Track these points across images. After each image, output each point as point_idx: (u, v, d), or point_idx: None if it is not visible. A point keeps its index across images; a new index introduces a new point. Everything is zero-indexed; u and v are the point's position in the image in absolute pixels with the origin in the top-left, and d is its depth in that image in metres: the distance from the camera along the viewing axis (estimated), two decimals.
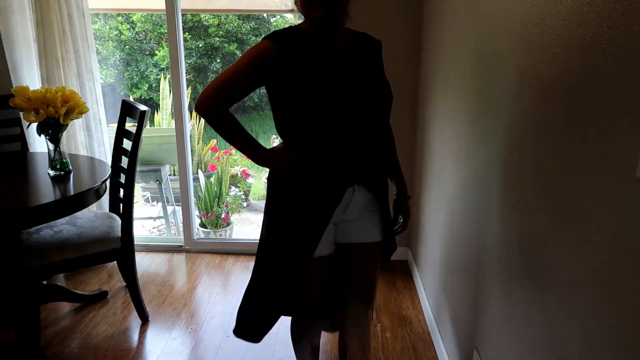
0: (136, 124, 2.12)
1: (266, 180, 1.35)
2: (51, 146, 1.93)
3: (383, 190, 1.42)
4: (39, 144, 2.60)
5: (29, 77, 2.54)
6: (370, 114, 1.31)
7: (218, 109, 1.21)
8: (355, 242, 1.44)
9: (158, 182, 3.70)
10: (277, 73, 1.23)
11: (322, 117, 1.24)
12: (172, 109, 3.87)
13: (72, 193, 1.79)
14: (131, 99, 2.32)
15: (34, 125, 1.92)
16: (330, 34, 1.29)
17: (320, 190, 1.31)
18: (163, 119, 4.51)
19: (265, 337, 1.49)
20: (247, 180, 4.53)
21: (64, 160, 1.97)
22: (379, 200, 1.41)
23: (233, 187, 4.09)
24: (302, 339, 1.58)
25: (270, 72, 1.24)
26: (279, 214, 1.38)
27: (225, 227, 3.57)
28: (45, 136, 1.91)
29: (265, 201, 1.43)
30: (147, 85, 6.45)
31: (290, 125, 1.31)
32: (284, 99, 1.27)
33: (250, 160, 1.51)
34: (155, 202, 4.47)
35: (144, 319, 2.30)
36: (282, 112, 1.31)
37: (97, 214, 2.30)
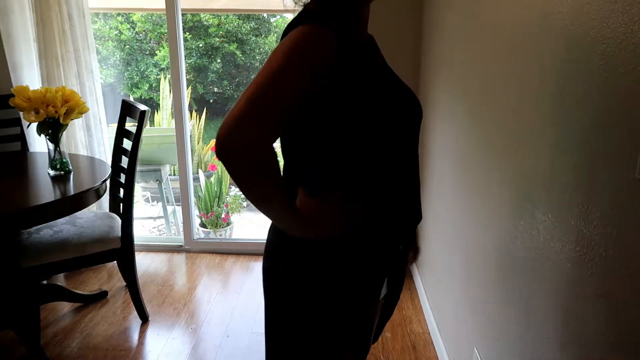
0: (136, 124, 2.12)
1: (268, 263, 0.98)
2: (51, 146, 1.93)
3: None
4: (39, 144, 2.60)
5: (29, 77, 2.53)
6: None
7: (261, 148, 0.72)
8: None
9: (158, 182, 3.70)
10: (337, 81, 0.78)
11: (395, 149, 0.89)
12: (172, 108, 3.87)
13: (72, 193, 1.79)
14: (131, 99, 2.32)
15: (34, 125, 1.92)
16: (358, 24, 0.90)
17: (380, 256, 0.93)
18: (163, 119, 4.51)
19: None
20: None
21: (64, 160, 1.97)
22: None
23: (233, 187, 4.09)
24: None
25: (329, 80, 0.77)
26: (322, 309, 0.91)
27: (226, 227, 3.57)
28: (45, 136, 1.91)
29: (271, 290, 0.97)
30: (147, 85, 6.46)
31: (341, 165, 0.85)
32: (338, 124, 0.82)
33: None
34: (155, 202, 4.47)
35: (144, 319, 2.30)
36: (328, 147, 0.84)
37: (97, 214, 2.30)
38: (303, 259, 0.90)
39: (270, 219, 0.86)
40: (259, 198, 0.79)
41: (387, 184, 0.90)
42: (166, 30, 2.89)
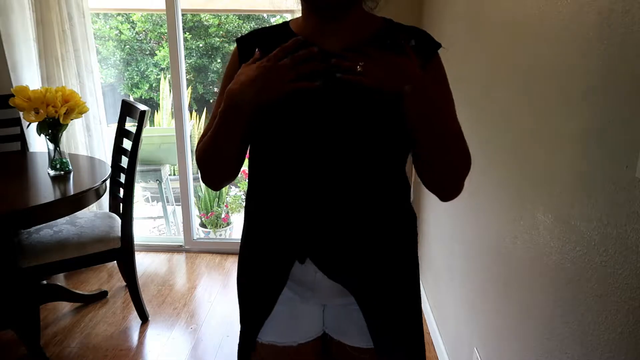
0: (136, 124, 2.12)
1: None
2: (51, 146, 1.93)
3: (370, 284, 0.91)
4: (39, 144, 2.60)
5: (29, 77, 2.53)
6: (350, 157, 0.85)
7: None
8: (342, 341, 0.99)
9: (158, 182, 3.70)
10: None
11: (278, 148, 0.88)
12: (172, 109, 3.87)
13: (72, 193, 1.79)
14: (131, 99, 2.32)
15: (34, 125, 1.92)
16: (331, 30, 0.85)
17: (262, 255, 0.96)
18: (163, 119, 4.51)
19: None
20: (247, 180, 4.53)
21: (64, 160, 1.97)
22: (357, 297, 0.91)
23: (233, 187, 4.09)
24: None
25: None
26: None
27: (225, 227, 3.57)
28: (45, 136, 1.91)
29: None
30: (147, 85, 6.46)
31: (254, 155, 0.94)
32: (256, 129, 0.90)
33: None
34: (155, 202, 4.47)
35: (144, 319, 2.29)
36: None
37: (97, 214, 2.30)
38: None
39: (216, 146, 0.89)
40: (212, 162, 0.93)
41: (267, 201, 0.93)
42: (166, 30, 2.89)
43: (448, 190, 0.91)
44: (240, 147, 0.90)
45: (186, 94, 2.91)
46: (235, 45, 0.94)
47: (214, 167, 0.93)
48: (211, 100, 6.75)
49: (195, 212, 3.21)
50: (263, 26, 0.95)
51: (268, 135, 0.88)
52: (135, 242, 2.22)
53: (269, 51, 0.81)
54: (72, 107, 1.88)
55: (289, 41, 0.81)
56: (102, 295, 2.49)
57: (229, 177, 0.96)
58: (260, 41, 0.86)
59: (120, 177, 2.30)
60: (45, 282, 2.32)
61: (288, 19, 0.95)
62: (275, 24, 0.94)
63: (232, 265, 2.90)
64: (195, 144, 0.97)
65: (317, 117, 0.84)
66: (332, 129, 0.84)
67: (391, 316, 0.94)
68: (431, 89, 0.79)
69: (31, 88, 1.86)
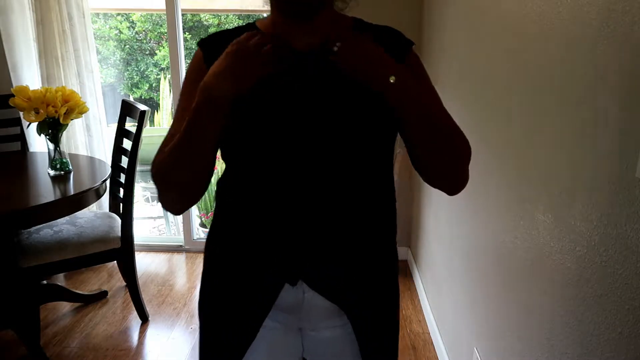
0: (136, 124, 2.12)
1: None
2: (51, 146, 1.93)
3: (364, 299, 0.87)
4: (39, 144, 2.60)
5: (29, 76, 2.53)
6: (334, 158, 0.79)
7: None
8: None
9: None
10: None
11: (254, 155, 0.80)
12: (172, 108, 3.87)
13: (72, 193, 1.79)
14: (131, 99, 2.32)
15: (34, 125, 1.92)
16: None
17: (240, 280, 0.85)
18: (163, 119, 4.51)
19: None
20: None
21: (64, 160, 1.97)
22: (350, 315, 0.86)
23: None
24: None
25: None
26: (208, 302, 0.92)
27: None
28: (45, 136, 1.91)
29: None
30: (147, 85, 6.46)
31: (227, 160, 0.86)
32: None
33: None
34: (155, 202, 4.47)
35: (144, 319, 2.29)
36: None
37: (97, 214, 2.30)
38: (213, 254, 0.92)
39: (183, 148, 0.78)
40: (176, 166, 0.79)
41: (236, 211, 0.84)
42: (166, 30, 2.89)
43: (452, 180, 0.85)
44: (212, 153, 0.79)
45: None
46: (198, 48, 0.86)
47: (181, 180, 0.80)
48: None
49: (195, 212, 3.21)
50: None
51: (242, 138, 0.80)
52: (135, 242, 2.22)
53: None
54: (72, 107, 1.89)
55: (254, 31, 0.76)
56: (102, 295, 2.49)
57: (198, 192, 0.82)
58: (226, 43, 0.77)
59: (120, 177, 2.30)
60: (45, 282, 2.32)
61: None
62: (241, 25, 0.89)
63: None
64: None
65: (294, 117, 0.78)
66: (311, 129, 0.78)
67: (381, 335, 0.91)
68: (411, 80, 0.76)
69: (31, 88, 1.86)
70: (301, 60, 0.79)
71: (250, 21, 0.99)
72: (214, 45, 0.83)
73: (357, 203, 0.82)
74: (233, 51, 0.73)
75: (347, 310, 0.85)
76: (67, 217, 2.17)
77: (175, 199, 0.83)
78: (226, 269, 0.86)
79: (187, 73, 0.87)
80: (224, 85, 0.73)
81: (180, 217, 3.39)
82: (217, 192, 0.89)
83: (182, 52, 2.77)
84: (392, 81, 0.73)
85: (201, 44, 0.85)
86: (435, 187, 0.87)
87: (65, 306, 2.41)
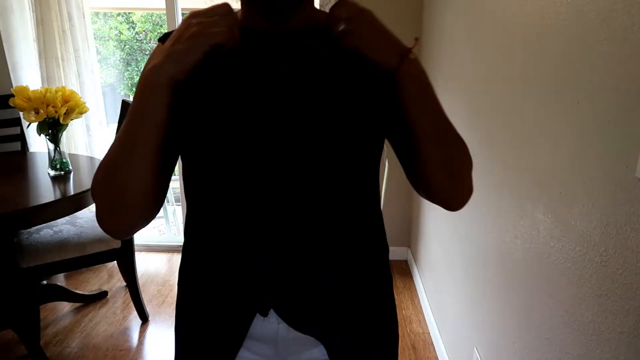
0: None
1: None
2: (51, 146, 1.93)
3: (347, 337, 0.76)
4: (39, 144, 2.60)
5: (29, 77, 2.54)
6: (313, 169, 0.68)
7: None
8: None
9: None
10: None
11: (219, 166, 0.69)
12: None
13: (72, 193, 1.79)
14: (131, 99, 2.33)
15: (34, 125, 1.92)
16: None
17: (211, 307, 0.77)
18: None
19: None
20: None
21: (64, 160, 1.97)
22: (329, 348, 0.75)
23: None
24: None
25: None
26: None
27: None
28: (46, 136, 1.91)
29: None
30: None
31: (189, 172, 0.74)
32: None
33: None
34: None
35: (144, 319, 2.29)
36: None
37: None
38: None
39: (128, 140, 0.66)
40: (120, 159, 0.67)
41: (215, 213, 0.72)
42: (166, 30, 2.89)
43: (457, 188, 0.73)
44: (158, 154, 0.65)
45: None
46: (158, 44, 0.72)
47: (123, 188, 0.66)
48: None
49: None
50: None
51: (205, 143, 0.68)
52: (135, 242, 2.22)
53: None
54: (72, 107, 1.88)
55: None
56: (102, 295, 2.49)
57: (143, 206, 0.69)
58: None
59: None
60: (45, 282, 2.32)
61: None
62: None
63: None
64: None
65: (269, 119, 0.66)
66: (284, 137, 0.66)
67: None
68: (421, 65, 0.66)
69: (31, 88, 1.86)
70: (273, 39, 0.66)
71: None
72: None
73: (336, 228, 0.72)
74: (178, 29, 0.63)
75: (325, 343, 0.75)
76: (67, 217, 2.17)
77: (117, 212, 0.68)
78: (198, 297, 0.78)
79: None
80: (164, 65, 0.61)
81: (180, 217, 3.39)
82: (187, 206, 0.78)
83: None
84: (412, 57, 0.63)
85: (162, 40, 0.71)
86: (437, 200, 0.74)
87: (65, 306, 2.41)
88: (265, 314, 0.73)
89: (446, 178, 0.71)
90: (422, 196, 0.76)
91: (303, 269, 0.71)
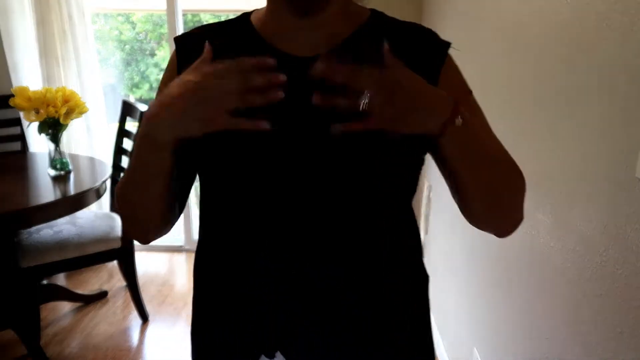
0: (136, 124, 2.13)
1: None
2: (51, 146, 1.93)
3: None
4: (39, 144, 2.60)
5: (30, 77, 2.53)
6: (335, 212, 0.63)
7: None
8: None
9: None
10: None
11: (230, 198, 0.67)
12: None
13: (72, 193, 1.80)
14: (131, 99, 2.33)
15: (34, 125, 1.92)
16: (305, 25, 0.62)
17: (216, 345, 0.75)
18: None
19: None
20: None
21: (64, 160, 1.97)
22: None
23: None
24: None
25: None
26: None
27: None
28: (46, 136, 1.91)
29: None
30: (147, 85, 6.46)
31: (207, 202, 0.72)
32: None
33: None
34: None
35: (144, 319, 2.29)
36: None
37: (97, 214, 2.30)
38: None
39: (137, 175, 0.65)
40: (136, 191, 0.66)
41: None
42: (166, 31, 2.89)
43: (507, 220, 0.70)
44: (168, 184, 0.63)
45: None
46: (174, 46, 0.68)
47: (137, 205, 0.67)
48: None
49: (195, 212, 3.21)
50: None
51: (218, 176, 0.65)
52: (135, 242, 2.22)
53: (223, 53, 0.55)
54: (73, 107, 1.89)
55: (255, 58, 0.53)
56: (102, 295, 2.49)
57: (157, 223, 0.69)
58: (211, 40, 0.58)
59: (120, 177, 2.30)
60: (45, 282, 2.32)
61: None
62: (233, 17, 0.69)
63: None
64: None
65: (287, 155, 0.60)
66: (308, 173, 0.61)
67: None
68: (465, 111, 0.57)
69: (31, 88, 1.87)
70: (301, 69, 0.54)
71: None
72: (192, 44, 0.64)
73: (360, 266, 0.66)
74: (198, 82, 0.53)
75: None
76: (67, 217, 2.17)
77: (135, 225, 0.71)
78: (208, 327, 0.75)
79: (162, 78, 0.71)
80: (163, 124, 0.56)
81: (180, 217, 3.37)
82: (199, 234, 0.75)
83: None
84: (458, 124, 0.54)
85: (177, 40, 0.67)
86: (484, 229, 0.71)
87: (66, 306, 2.41)
88: (271, 357, 0.69)
89: (495, 216, 0.67)
90: (470, 223, 0.72)
91: (319, 310, 0.66)
